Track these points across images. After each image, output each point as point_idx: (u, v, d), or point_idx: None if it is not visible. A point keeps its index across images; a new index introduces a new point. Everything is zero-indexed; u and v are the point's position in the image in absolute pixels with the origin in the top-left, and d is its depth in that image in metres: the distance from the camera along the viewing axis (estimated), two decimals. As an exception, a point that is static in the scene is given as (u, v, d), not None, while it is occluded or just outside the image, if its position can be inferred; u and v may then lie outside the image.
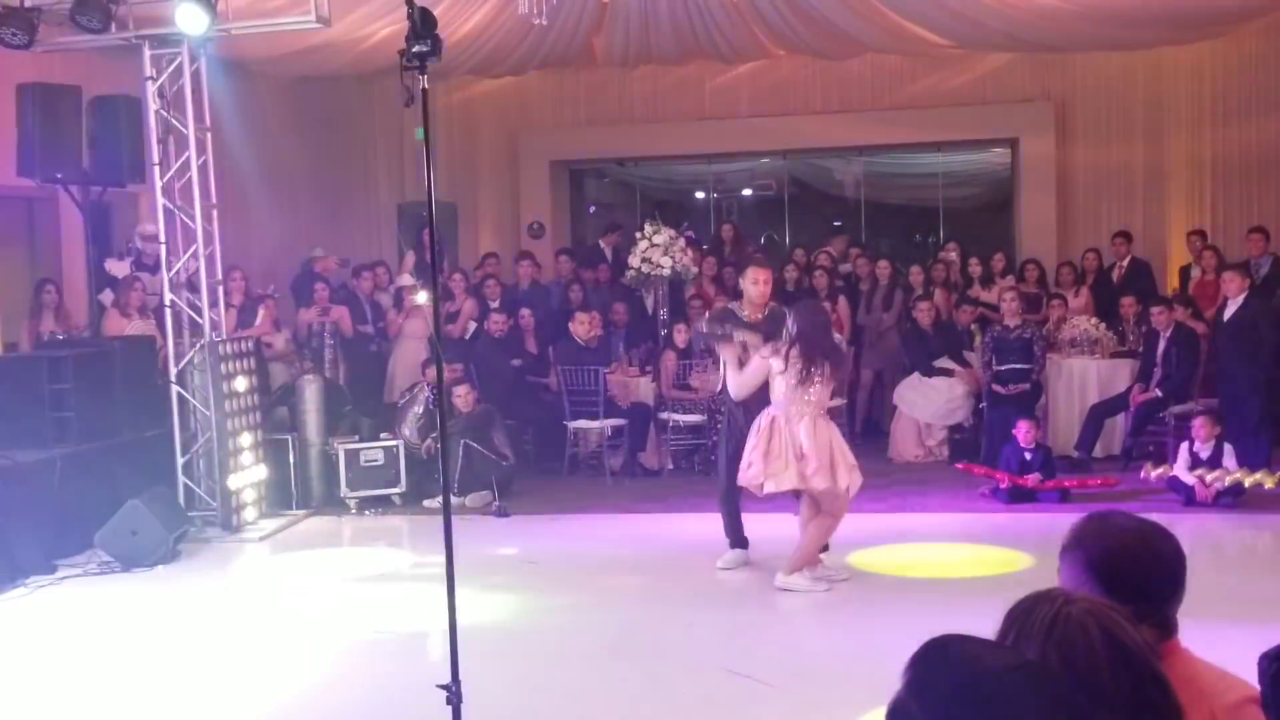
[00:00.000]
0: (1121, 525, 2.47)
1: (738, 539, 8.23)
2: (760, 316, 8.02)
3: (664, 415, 11.46)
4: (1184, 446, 9.67)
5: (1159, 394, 10.80)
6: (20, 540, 8.44)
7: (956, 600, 7.25)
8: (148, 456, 9.76)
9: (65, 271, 11.38)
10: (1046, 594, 1.81)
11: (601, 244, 14.50)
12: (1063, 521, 2.59)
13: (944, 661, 1.57)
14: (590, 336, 11.80)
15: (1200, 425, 9.63)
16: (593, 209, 18.16)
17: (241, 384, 9.95)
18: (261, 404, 10.31)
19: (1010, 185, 16.01)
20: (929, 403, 11.75)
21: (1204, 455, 9.43)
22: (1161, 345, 10.90)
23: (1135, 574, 2.37)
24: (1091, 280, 13.00)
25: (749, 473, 7.49)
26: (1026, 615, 1.75)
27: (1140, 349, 11.36)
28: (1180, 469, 9.34)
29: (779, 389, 7.45)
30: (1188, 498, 9.31)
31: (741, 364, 7.72)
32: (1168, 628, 2.39)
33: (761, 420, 7.48)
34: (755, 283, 8.12)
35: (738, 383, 7.66)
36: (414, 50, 4.21)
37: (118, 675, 6.57)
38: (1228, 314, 10.69)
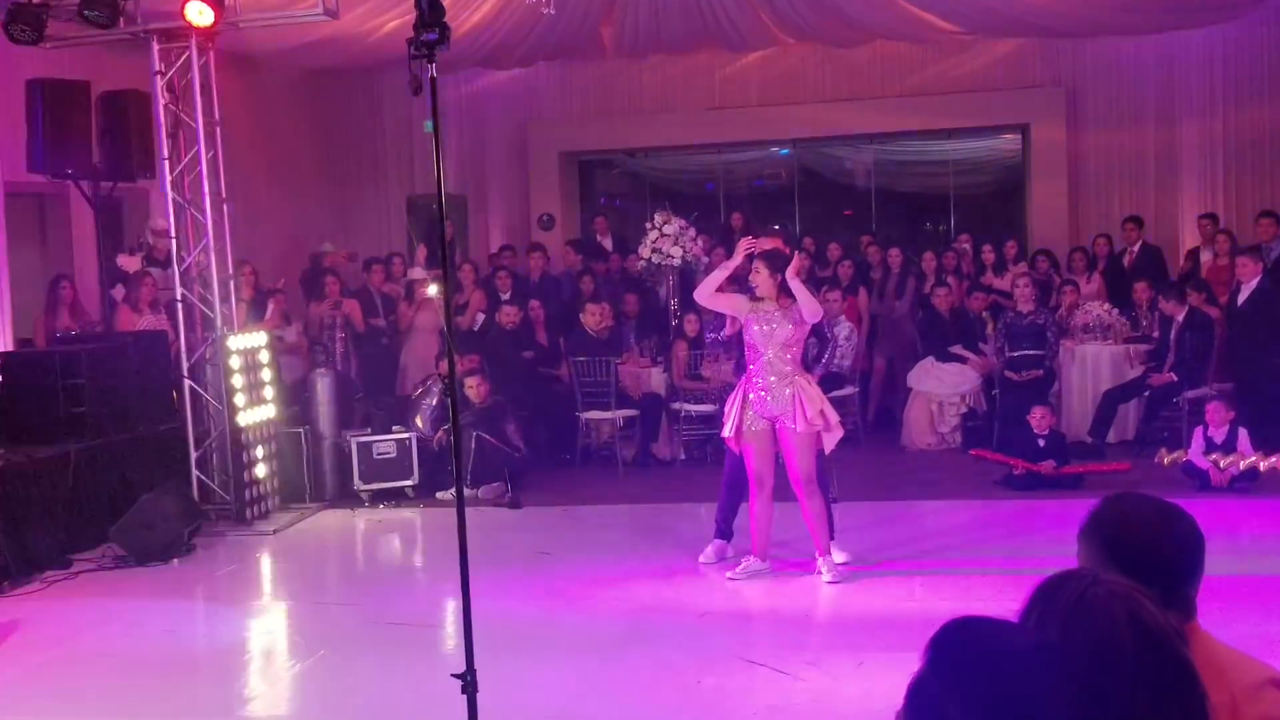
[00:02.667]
0: (1140, 507, 2.46)
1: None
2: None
3: (676, 405, 11.45)
4: (1199, 431, 9.64)
5: (1174, 378, 10.76)
6: (35, 535, 8.46)
7: (971, 587, 7.25)
8: (161, 451, 9.79)
9: (77, 267, 11.40)
10: (1073, 574, 1.80)
11: (599, 238, 14.53)
12: (1077, 508, 2.57)
13: (965, 641, 1.56)
14: (601, 327, 11.78)
15: (1215, 410, 9.60)
16: (603, 200, 18.16)
17: (253, 378, 9.96)
18: (274, 397, 10.32)
19: (1021, 171, 15.96)
20: (942, 384, 11.73)
21: (1219, 440, 9.39)
22: (1175, 330, 10.86)
23: (1153, 556, 2.35)
24: (1103, 266, 12.96)
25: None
26: (1051, 594, 1.73)
27: (1154, 334, 11.34)
28: (1195, 454, 9.30)
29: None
30: (1202, 483, 9.27)
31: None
32: (1187, 609, 2.38)
33: (810, 384, 7.54)
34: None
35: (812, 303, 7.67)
36: (422, 39, 4.20)
37: (133, 668, 6.59)
38: (1242, 298, 10.66)
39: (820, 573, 7.54)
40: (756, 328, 7.49)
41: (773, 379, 7.43)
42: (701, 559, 8.07)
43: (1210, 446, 9.35)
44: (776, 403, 7.42)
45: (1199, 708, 1.70)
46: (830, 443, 7.55)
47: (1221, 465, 8.90)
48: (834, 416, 7.53)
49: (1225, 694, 2.19)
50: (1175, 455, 9.02)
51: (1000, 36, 14.64)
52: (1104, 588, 1.71)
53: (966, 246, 13.56)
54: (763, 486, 7.54)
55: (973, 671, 1.51)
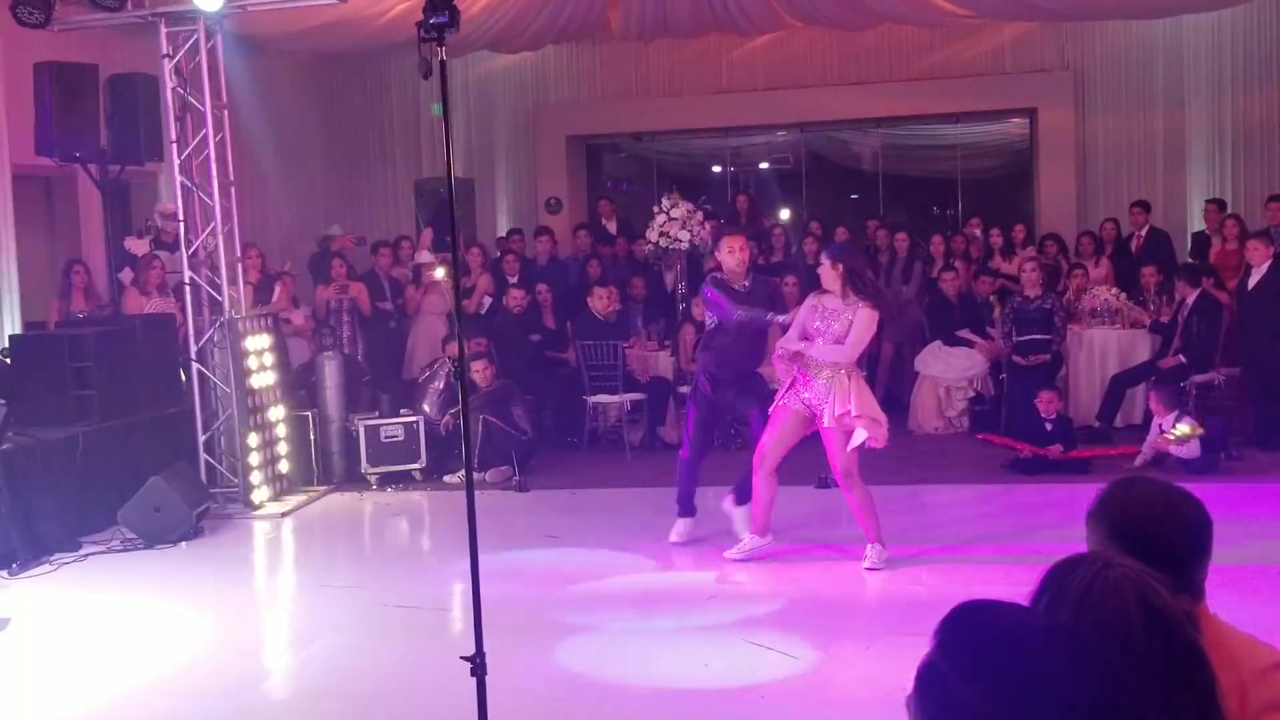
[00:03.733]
0: (1147, 490, 2.46)
1: (689, 507, 8.24)
2: (746, 285, 7.91)
3: (683, 389, 11.44)
4: (1154, 424, 9.73)
5: (1182, 360, 10.74)
6: (44, 518, 8.49)
7: (978, 571, 7.25)
8: (169, 434, 9.82)
9: (85, 250, 11.41)
10: (1085, 558, 1.80)
11: (603, 222, 14.53)
12: (1084, 492, 2.58)
13: (976, 623, 1.57)
14: (609, 311, 11.79)
15: (1154, 401, 9.77)
16: (610, 184, 18.13)
17: (261, 361, 9.98)
18: (282, 380, 10.34)
19: (1029, 156, 15.93)
20: (949, 369, 11.73)
21: (1166, 428, 9.60)
22: (1184, 313, 10.85)
23: (1161, 539, 2.35)
24: (1110, 250, 12.93)
25: (884, 429, 7.43)
26: (1063, 578, 1.74)
27: (1160, 319, 11.33)
28: (1149, 444, 9.64)
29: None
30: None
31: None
32: (1195, 593, 2.38)
33: (851, 378, 7.37)
34: (731, 251, 7.99)
35: (853, 345, 7.37)
36: (432, 22, 4.19)
37: (142, 650, 6.62)
38: (1252, 282, 10.63)
39: (865, 557, 7.53)
40: (816, 322, 7.42)
41: (820, 370, 7.36)
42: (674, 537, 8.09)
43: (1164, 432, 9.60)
44: (817, 394, 7.36)
45: (1209, 691, 1.71)
46: (878, 437, 7.34)
47: (1173, 437, 9.24)
48: (871, 413, 7.33)
49: (1234, 677, 2.19)
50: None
51: (1008, 20, 14.58)
52: (1116, 571, 1.71)
53: (978, 232, 13.54)
54: (762, 464, 7.53)
55: (983, 654, 1.51)
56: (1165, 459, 9.49)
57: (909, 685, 1.64)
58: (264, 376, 10.02)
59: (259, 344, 9.99)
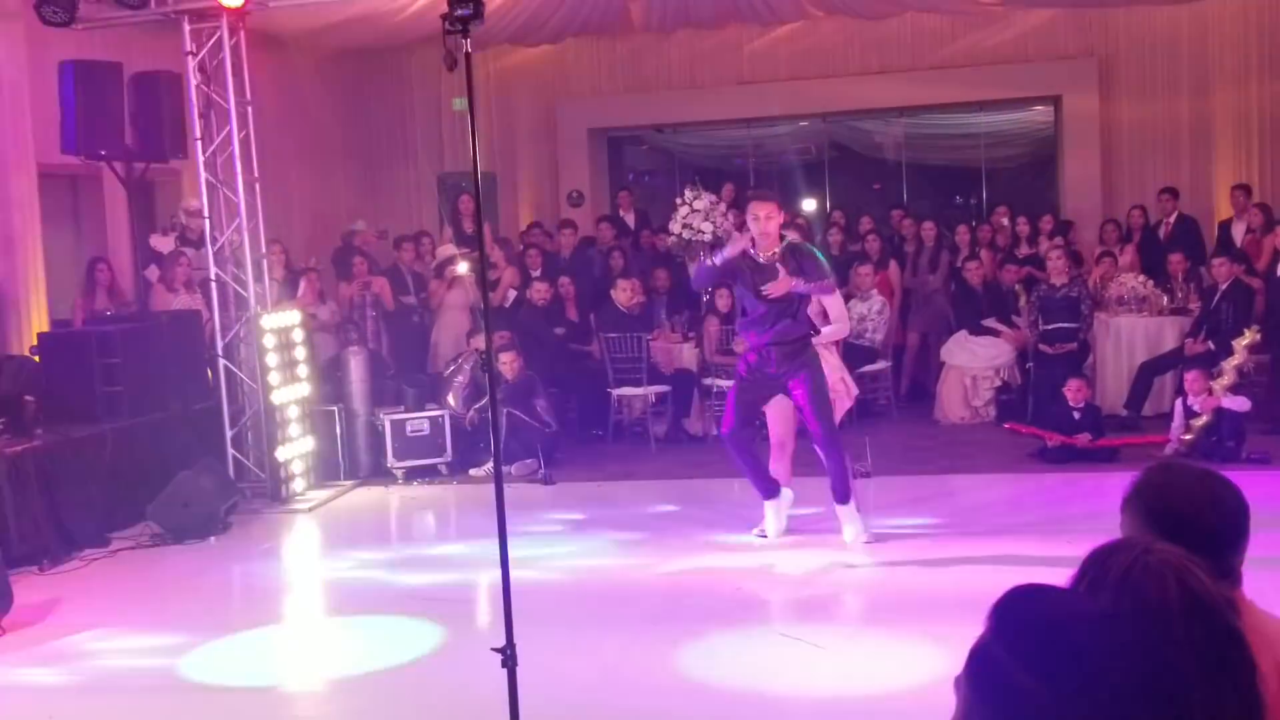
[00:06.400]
0: (1184, 475, 2.45)
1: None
2: (775, 253, 7.62)
3: (708, 381, 11.44)
4: (1179, 403, 9.64)
5: (1210, 347, 10.66)
6: (74, 514, 8.55)
7: (1007, 561, 7.21)
8: (197, 429, 9.85)
9: (110, 248, 11.47)
10: (1125, 543, 1.79)
11: (621, 213, 14.51)
12: (1112, 481, 2.57)
13: (1031, 608, 1.56)
14: (632, 303, 11.78)
15: (1194, 379, 9.63)
16: (631, 176, 18.11)
17: (287, 356, 10.01)
18: (307, 375, 10.37)
19: (1054, 144, 15.84)
20: (975, 358, 11.68)
21: (1199, 409, 9.46)
22: (1216, 298, 10.79)
23: (1198, 524, 2.34)
24: (1138, 238, 12.86)
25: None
26: (1103, 561, 1.73)
27: (1189, 306, 11.26)
28: (1176, 427, 9.56)
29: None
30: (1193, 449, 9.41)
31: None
32: (1232, 578, 2.37)
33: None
34: (757, 219, 7.65)
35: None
36: (457, 14, 4.19)
37: (170, 646, 6.64)
38: (1280, 268, 10.57)
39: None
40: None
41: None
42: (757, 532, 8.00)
43: (1190, 416, 9.45)
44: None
45: (1248, 676, 1.69)
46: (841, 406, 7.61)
47: (1214, 390, 9.19)
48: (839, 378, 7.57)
49: (1270, 661, 2.18)
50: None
51: (1031, 7, 14.51)
52: (1155, 556, 1.70)
53: (1005, 221, 13.48)
54: (784, 450, 7.57)
55: (1038, 638, 1.51)
56: (1195, 448, 9.42)
57: (943, 670, 1.63)
58: (290, 372, 10.05)
59: (285, 340, 10.01)
